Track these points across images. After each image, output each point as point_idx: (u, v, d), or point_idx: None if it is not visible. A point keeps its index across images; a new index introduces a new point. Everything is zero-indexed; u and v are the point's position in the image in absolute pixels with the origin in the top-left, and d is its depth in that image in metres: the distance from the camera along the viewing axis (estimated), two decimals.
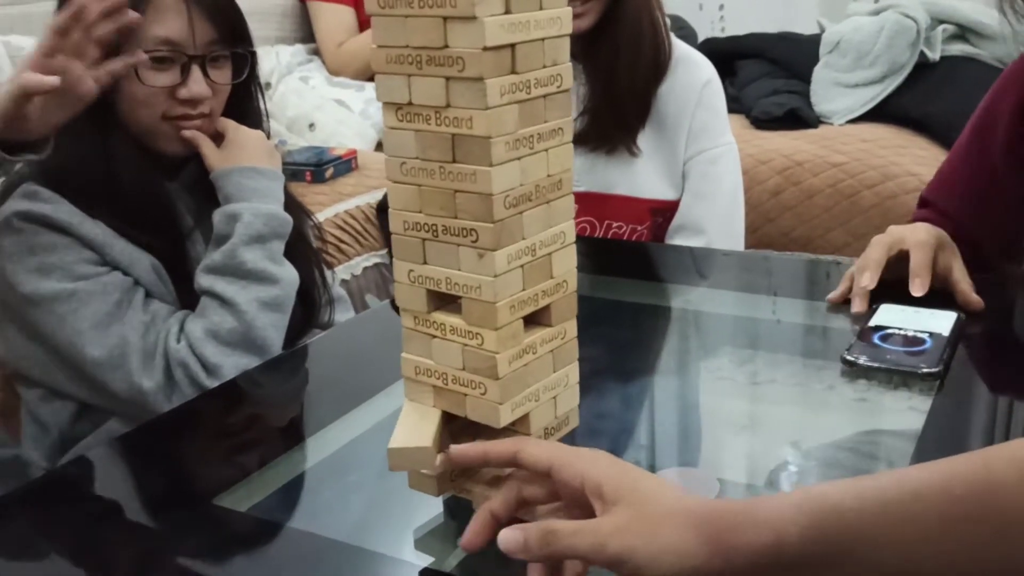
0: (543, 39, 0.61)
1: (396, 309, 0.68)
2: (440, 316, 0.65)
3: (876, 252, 1.05)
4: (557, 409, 0.69)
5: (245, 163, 1.19)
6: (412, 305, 0.66)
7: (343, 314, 1.40)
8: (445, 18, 0.58)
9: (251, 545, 0.72)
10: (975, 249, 1.12)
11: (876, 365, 0.91)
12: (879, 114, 2.37)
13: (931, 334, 0.95)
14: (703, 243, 1.52)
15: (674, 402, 0.98)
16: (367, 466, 0.82)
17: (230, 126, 1.22)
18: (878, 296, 1.02)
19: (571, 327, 0.69)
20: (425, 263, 0.65)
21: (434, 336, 0.66)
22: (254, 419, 0.98)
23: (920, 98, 2.31)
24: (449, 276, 0.64)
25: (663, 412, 0.95)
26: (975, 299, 1.01)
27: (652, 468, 0.80)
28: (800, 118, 2.32)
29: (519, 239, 0.63)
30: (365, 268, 1.70)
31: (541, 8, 0.61)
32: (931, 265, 1.03)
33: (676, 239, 1.55)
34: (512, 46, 0.59)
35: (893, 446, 0.89)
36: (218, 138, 1.21)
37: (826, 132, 2.29)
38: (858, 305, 1.02)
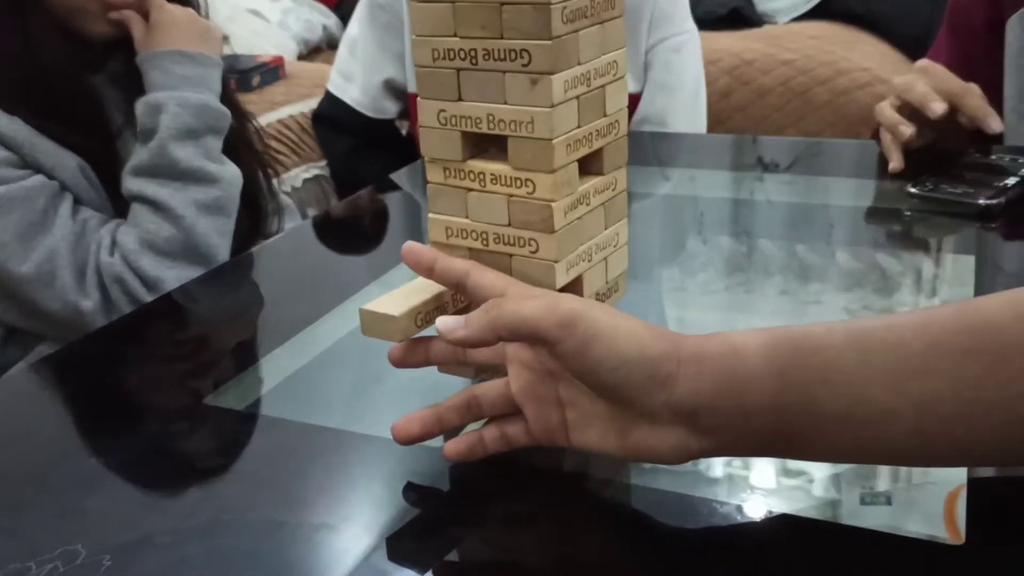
0: None
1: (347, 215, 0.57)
2: (478, 164, 0.55)
3: (888, 111, 1.03)
4: (608, 272, 0.60)
5: (173, 46, 1.06)
6: (443, 153, 0.56)
7: (291, 223, 1.29)
8: None
9: (249, 438, 0.61)
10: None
11: (937, 196, 0.92)
12: (823, 12, 2.32)
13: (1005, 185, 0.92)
14: None
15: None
16: (363, 362, 0.72)
17: (155, 4, 1.08)
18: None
19: (622, 177, 0.59)
20: (460, 99, 0.54)
21: (471, 189, 0.55)
22: (225, 323, 0.87)
23: None
24: (492, 112, 0.53)
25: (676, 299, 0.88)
26: (989, 111, 1.01)
27: None
28: (743, 17, 2.26)
29: (574, 64, 0.53)
30: (305, 180, 1.57)
31: None
32: (931, 88, 1.01)
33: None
34: None
35: None
36: (146, 18, 1.07)
37: (772, 31, 2.24)
38: (896, 161, 1.01)
